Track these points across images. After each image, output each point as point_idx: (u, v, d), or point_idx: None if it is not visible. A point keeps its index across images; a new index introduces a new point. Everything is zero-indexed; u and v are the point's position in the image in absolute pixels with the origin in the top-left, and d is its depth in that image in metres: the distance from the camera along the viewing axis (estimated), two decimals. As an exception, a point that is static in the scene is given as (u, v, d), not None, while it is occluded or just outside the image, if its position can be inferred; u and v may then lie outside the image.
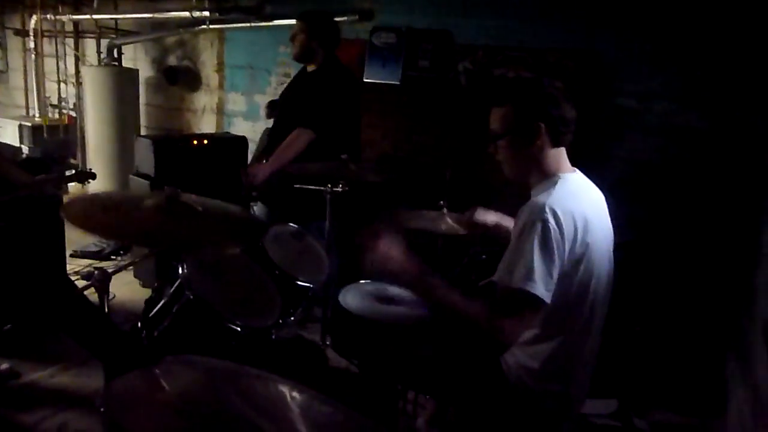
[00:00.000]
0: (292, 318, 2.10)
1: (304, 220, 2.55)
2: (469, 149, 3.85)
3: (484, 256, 3.29)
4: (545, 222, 1.49)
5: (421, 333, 1.98)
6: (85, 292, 1.62)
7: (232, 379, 0.80)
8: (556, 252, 1.49)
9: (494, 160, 1.75)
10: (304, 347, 2.19)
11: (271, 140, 3.26)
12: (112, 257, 4.48)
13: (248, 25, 4.78)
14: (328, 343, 2.36)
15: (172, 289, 1.71)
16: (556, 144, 1.64)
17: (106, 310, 1.52)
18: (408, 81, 4.16)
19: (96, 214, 1.43)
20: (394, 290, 2.22)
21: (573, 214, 1.54)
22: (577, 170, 1.71)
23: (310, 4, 4.58)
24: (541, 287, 1.47)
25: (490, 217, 2.12)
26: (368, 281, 2.26)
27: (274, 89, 4.94)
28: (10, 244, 2.86)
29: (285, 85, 3.57)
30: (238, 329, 1.70)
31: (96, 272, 1.47)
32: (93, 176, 3.02)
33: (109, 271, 1.51)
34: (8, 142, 5.59)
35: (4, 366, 2.85)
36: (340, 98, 3.06)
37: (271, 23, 4.76)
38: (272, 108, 4.56)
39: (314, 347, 2.24)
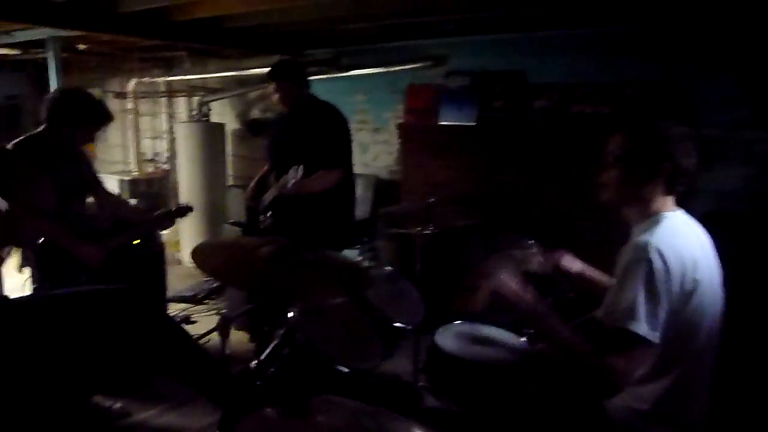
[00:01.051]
0: (391, 359, 2.16)
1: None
2: (552, 188, 3.85)
3: (571, 294, 3.25)
4: (650, 261, 1.50)
5: (519, 374, 2.00)
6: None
7: (374, 419, 0.88)
8: (662, 291, 1.49)
9: (577, 196, 1.78)
10: (400, 388, 2.24)
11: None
12: (205, 301, 4.73)
13: (325, 76, 5.02)
14: (422, 383, 2.40)
15: (282, 332, 1.82)
16: (669, 191, 1.64)
17: (228, 351, 1.64)
18: (483, 122, 4.24)
19: (218, 261, 1.57)
20: (489, 331, 2.25)
21: (679, 252, 1.53)
22: (679, 209, 1.70)
23: (383, 54, 4.80)
24: (645, 327, 1.47)
25: (576, 265, 2.13)
26: (462, 322, 2.30)
27: (353, 135, 5.13)
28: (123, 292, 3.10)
29: (279, 129, 3.48)
30: (345, 371, 1.78)
31: (219, 317, 1.60)
32: (190, 209, 3.33)
33: (231, 316, 1.64)
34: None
35: (117, 405, 3.05)
36: (349, 130, 3.30)
37: (347, 74, 4.98)
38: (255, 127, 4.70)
39: (410, 388, 2.28)
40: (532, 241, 2.54)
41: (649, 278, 1.49)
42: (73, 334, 1.62)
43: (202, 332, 1.62)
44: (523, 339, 2.18)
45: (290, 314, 1.81)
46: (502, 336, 2.23)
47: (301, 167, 2.75)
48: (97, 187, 3.14)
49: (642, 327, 1.47)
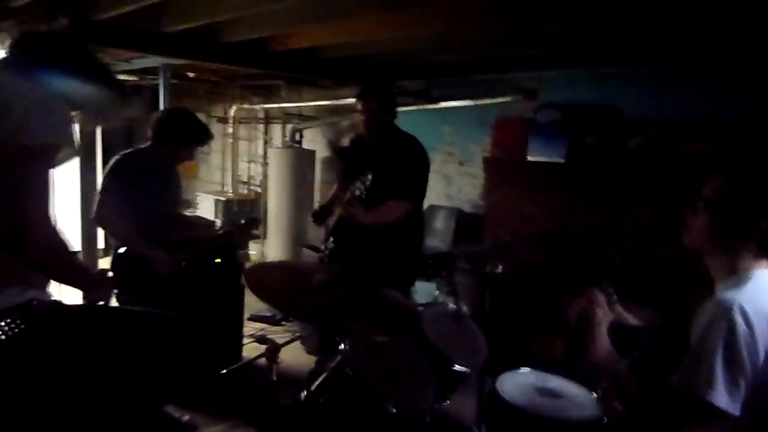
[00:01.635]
0: (448, 402, 2.05)
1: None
2: (643, 230, 3.59)
3: (660, 349, 2.98)
4: (732, 322, 1.31)
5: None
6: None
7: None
8: (744, 358, 1.30)
9: (670, 241, 1.60)
10: (457, 433, 2.12)
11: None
12: (283, 323, 4.80)
13: (415, 108, 5.03)
14: (483, 430, 2.26)
15: (334, 363, 1.77)
16: (761, 251, 1.43)
17: (274, 378, 1.62)
18: (574, 158, 4.05)
19: (272, 286, 1.56)
20: (556, 382, 2.09)
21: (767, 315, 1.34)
22: None
23: (473, 87, 4.75)
24: (724, 397, 1.29)
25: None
26: (528, 369, 2.15)
27: (437, 167, 5.09)
28: (201, 305, 3.21)
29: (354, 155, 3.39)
30: (393, 409, 1.70)
31: (268, 344, 1.58)
32: (257, 221, 3.40)
33: (280, 343, 1.62)
34: (204, 215, 6.40)
35: (185, 417, 3.13)
36: (428, 167, 3.14)
37: (437, 105, 4.97)
38: (342, 154, 4.70)
39: (468, 434, 2.16)
40: (611, 289, 2.35)
41: (730, 342, 1.30)
42: (119, 349, 1.66)
43: (251, 357, 1.62)
44: (595, 396, 2.00)
45: (342, 346, 1.76)
46: (571, 389, 2.06)
47: (370, 174, 2.63)
48: (179, 206, 3.31)
49: (720, 398, 1.28)
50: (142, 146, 3.07)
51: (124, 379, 1.63)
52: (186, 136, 3.00)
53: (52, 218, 1.44)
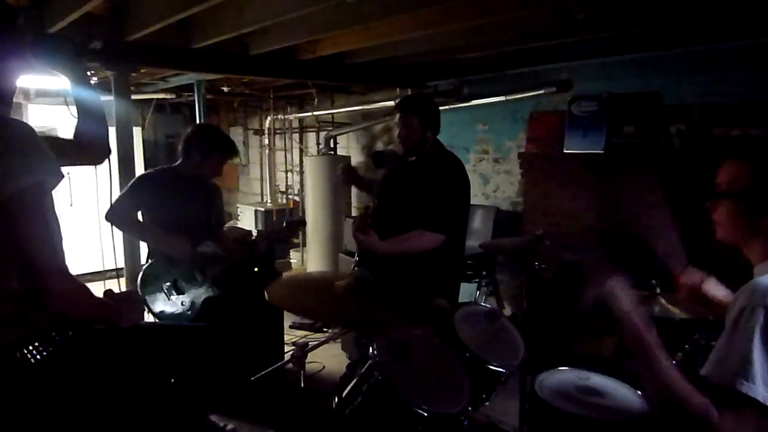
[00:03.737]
0: (487, 403, 1.99)
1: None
2: (687, 219, 3.42)
3: (713, 343, 2.83)
4: None
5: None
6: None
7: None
8: None
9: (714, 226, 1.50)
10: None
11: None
12: (324, 329, 4.81)
13: (448, 107, 4.98)
14: (525, 433, 2.18)
15: (363, 368, 1.74)
16: None
17: (302, 384, 1.60)
18: (612, 148, 3.92)
19: (294, 295, 1.54)
20: (597, 380, 2.00)
21: None
22: None
23: (504, 82, 4.67)
24: (762, 389, 1.19)
25: (720, 292, 1.79)
26: (567, 368, 2.07)
27: (473, 166, 5.02)
28: (239, 314, 3.23)
29: (395, 165, 3.01)
30: (425, 414, 1.66)
31: (294, 348, 1.57)
32: (303, 222, 3.33)
33: (307, 347, 1.60)
34: (244, 226, 6.50)
35: (230, 426, 3.15)
36: (467, 191, 2.79)
37: (469, 104, 4.90)
38: (378, 159, 4.63)
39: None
40: (654, 281, 2.25)
41: (767, 329, 1.21)
42: (148, 364, 1.67)
43: (278, 364, 1.61)
44: (640, 393, 1.91)
45: (370, 350, 1.73)
46: (615, 388, 1.97)
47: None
48: (220, 221, 3.33)
49: (756, 389, 1.19)
50: (171, 164, 3.13)
51: (156, 392, 1.64)
52: (211, 147, 3.03)
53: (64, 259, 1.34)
